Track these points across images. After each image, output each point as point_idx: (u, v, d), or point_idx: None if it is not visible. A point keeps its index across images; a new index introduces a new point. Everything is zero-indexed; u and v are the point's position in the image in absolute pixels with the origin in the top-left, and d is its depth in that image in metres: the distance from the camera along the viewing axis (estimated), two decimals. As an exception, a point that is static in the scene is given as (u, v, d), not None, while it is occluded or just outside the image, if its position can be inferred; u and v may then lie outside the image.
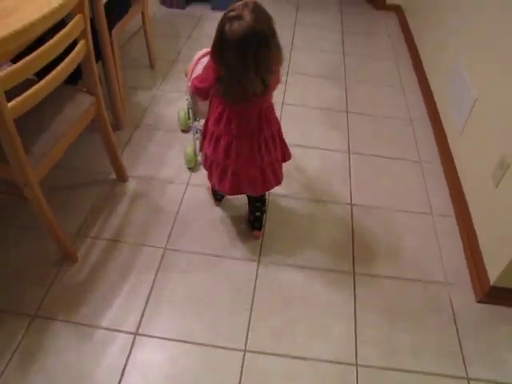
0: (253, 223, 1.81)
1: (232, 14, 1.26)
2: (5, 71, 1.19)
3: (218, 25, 1.29)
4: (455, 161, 2.12)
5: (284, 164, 1.70)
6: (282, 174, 1.68)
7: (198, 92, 1.55)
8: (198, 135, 1.97)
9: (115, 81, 2.17)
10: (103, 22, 1.95)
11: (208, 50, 1.60)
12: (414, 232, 1.90)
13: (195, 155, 2.08)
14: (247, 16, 1.24)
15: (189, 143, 2.13)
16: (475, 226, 1.81)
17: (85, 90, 1.71)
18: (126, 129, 2.29)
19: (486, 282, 1.65)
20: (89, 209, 1.89)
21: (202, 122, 1.71)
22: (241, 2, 1.28)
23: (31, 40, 1.31)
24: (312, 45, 3.17)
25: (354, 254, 1.80)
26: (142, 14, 2.57)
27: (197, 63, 1.83)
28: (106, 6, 2.03)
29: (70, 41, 1.47)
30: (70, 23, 1.44)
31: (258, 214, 1.80)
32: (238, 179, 1.57)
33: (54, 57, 1.39)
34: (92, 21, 1.77)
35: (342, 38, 3.30)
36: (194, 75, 1.66)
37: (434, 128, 2.44)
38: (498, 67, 1.81)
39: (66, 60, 1.46)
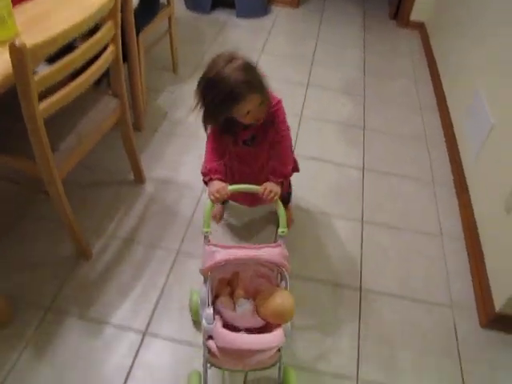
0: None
1: None
2: (39, 75, 1.24)
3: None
4: (468, 185, 2.14)
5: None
6: None
7: None
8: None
9: (139, 83, 2.22)
10: (132, 26, 2.01)
11: None
12: (423, 253, 1.92)
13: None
14: None
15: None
16: (484, 252, 1.83)
17: (110, 92, 1.76)
18: (146, 131, 2.34)
19: (491, 308, 1.66)
20: (106, 208, 1.93)
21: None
22: None
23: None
24: (333, 59, 3.20)
25: (361, 271, 1.83)
26: (169, 18, 2.63)
27: None
28: (136, 10, 2.08)
29: (102, 45, 1.52)
30: (102, 29, 1.49)
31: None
32: None
33: (86, 60, 1.44)
34: (121, 23, 1.81)
35: (363, 55, 3.33)
36: None
37: (450, 150, 2.46)
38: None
39: (96, 64, 1.50)
